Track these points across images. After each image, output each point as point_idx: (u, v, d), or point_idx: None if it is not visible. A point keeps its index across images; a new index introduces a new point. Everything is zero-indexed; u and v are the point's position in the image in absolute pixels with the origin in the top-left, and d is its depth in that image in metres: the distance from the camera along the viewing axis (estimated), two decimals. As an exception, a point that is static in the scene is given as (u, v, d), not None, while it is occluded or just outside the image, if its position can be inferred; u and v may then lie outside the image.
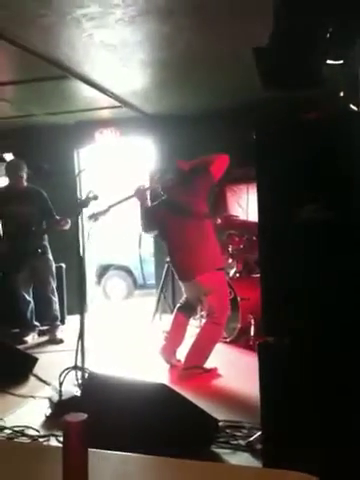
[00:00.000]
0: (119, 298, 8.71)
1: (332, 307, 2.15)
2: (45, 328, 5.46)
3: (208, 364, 4.06)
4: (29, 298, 5.34)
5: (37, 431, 3.07)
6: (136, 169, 7.60)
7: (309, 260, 2.18)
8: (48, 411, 3.36)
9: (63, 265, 5.76)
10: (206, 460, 1.39)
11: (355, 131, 2.13)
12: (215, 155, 4.13)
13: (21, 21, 3.26)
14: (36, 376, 4.05)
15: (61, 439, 1.02)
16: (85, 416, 1.00)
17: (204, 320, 4.49)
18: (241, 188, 5.95)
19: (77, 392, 3.40)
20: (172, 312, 4.53)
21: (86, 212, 4.09)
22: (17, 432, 3.05)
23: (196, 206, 4.11)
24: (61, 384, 3.46)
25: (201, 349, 4.07)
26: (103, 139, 6.40)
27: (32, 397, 3.68)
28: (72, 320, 5.44)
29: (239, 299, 4.78)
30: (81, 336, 3.56)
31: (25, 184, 5.23)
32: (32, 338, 5.35)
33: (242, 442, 2.80)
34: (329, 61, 2.24)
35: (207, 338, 4.11)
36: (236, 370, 4.15)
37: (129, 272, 8.71)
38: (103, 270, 8.76)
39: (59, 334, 5.33)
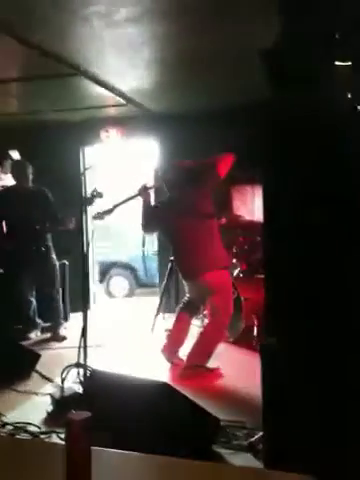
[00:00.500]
0: (122, 296, 8.73)
1: (335, 309, 2.15)
2: (48, 325, 5.47)
3: (210, 364, 4.06)
4: (32, 297, 5.38)
5: (39, 428, 3.08)
6: (140, 168, 7.61)
7: (313, 261, 2.18)
8: (50, 408, 3.37)
9: (66, 262, 5.77)
10: (207, 460, 1.39)
11: (362, 133, 2.12)
12: (220, 155, 4.13)
13: (29, 19, 3.26)
14: (39, 372, 4.06)
15: (62, 436, 1.02)
16: (89, 414, 1.00)
17: (207, 320, 4.49)
18: (246, 188, 5.95)
19: (79, 389, 3.42)
20: (175, 311, 4.52)
21: (90, 210, 4.10)
22: (19, 428, 3.06)
23: (201, 205, 4.11)
24: (63, 381, 3.48)
25: (204, 348, 4.07)
26: (108, 138, 6.40)
27: (34, 393, 3.69)
28: (75, 317, 5.45)
29: (242, 299, 4.77)
30: (84, 333, 3.57)
31: (30, 185, 5.28)
32: (35, 335, 5.37)
33: (243, 442, 2.80)
34: (337, 62, 2.23)
35: (210, 338, 4.10)
36: (238, 370, 4.15)
37: (132, 270, 8.72)
38: (106, 268, 8.78)
39: (62, 331, 5.35)
